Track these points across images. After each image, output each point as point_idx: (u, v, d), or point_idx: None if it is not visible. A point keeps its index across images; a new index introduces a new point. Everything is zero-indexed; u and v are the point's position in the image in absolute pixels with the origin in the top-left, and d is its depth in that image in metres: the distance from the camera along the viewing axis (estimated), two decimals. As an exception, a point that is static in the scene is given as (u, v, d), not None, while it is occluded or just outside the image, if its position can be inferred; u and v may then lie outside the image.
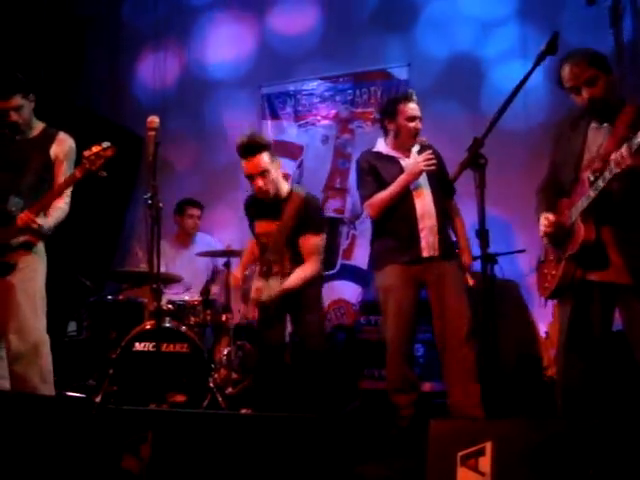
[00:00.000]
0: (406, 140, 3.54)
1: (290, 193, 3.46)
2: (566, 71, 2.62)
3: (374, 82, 5.42)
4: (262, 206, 3.49)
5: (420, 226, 3.44)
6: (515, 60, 4.83)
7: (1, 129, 3.21)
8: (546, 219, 2.70)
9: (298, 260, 3.43)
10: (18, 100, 3.14)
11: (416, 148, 3.56)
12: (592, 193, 2.50)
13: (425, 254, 3.43)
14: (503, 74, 4.89)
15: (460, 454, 1.91)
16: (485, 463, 1.88)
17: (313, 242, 3.41)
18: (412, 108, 3.50)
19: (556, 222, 2.66)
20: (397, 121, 3.51)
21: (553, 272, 2.70)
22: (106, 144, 3.08)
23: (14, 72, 3.19)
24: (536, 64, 2.33)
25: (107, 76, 6.38)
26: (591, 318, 2.65)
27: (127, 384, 3.80)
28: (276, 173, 3.41)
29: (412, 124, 3.50)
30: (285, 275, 3.40)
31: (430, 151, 3.45)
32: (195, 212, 5.11)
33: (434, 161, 3.41)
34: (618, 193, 2.52)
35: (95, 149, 3.06)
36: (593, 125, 2.69)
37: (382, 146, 3.62)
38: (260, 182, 3.35)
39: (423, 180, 3.49)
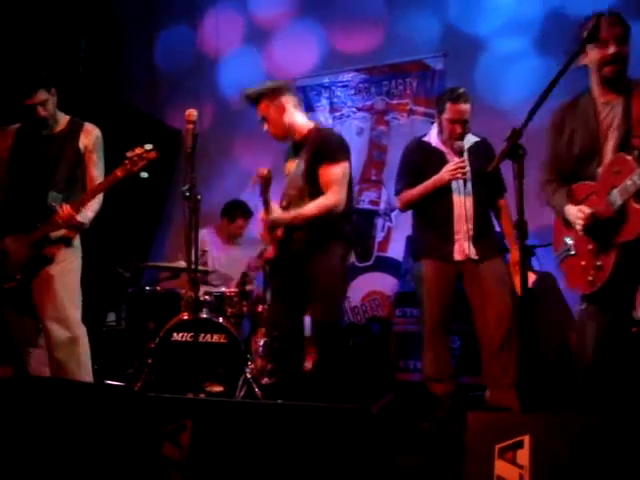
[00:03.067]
0: (448, 139, 3.49)
1: (310, 130, 3.30)
2: (604, 21, 2.46)
3: (410, 73, 5.38)
4: (292, 148, 3.39)
5: (455, 229, 3.43)
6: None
7: (29, 125, 3.26)
8: (581, 212, 2.54)
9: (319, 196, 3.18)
10: (42, 95, 3.17)
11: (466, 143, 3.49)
12: None
13: (458, 257, 3.43)
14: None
15: (498, 446, 1.90)
16: (524, 456, 1.87)
17: (330, 171, 3.13)
18: (457, 110, 3.40)
19: (591, 214, 2.51)
20: (441, 118, 3.48)
21: (599, 263, 2.52)
22: (149, 146, 3.08)
23: (34, 68, 3.24)
24: (579, 51, 2.30)
25: (144, 70, 6.46)
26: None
27: (165, 374, 3.86)
28: (279, 115, 3.25)
29: (453, 126, 3.43)
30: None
31: (463, 159, 3.39)
32: (244, 224, 5.07)
33: (464, 171, 3.36)
34: None
35: (138, 150, 3.07)
36: (601, 101, 2.58)
37: (434, 137, 3.57)
38: (264, 127, 3.32)
39: (466, 182, 3.45)
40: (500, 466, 1.88)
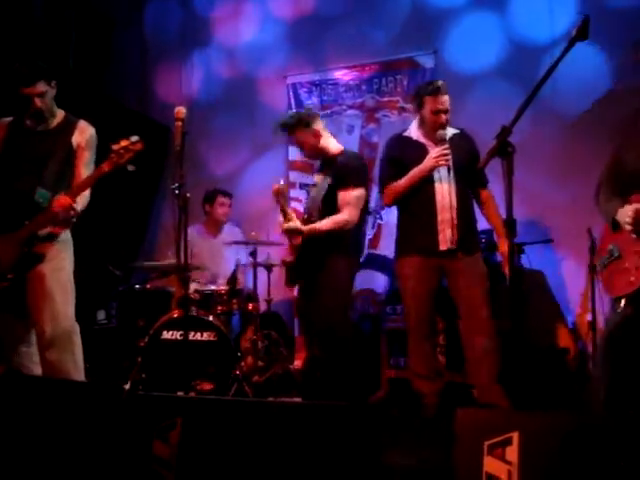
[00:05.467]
0: (430, 131, 3.50)
1: (339, 152, 3.65)
2: None
3: (400, 71, 5.38)
4: (321, 163, 3.77)
5: (439, 218, 3.43)
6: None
7: (26, 116, 3.23)
8: (632, 209, 2.51)
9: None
10: (42, 86, 3.15)
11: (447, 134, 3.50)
12: None
13: (442, 247, 3.42)
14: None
15: (487, 443, 1.91)
16: (512, 453, 1.88)
17: (347, 194, 3.47)
18: (438, 102, 3.43)
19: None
20: (422, 112, 3.49)
21: None
22: (135, 138, 3.06)
23: (36, 59, 3.21)
24: (566, 50, 2.30)
25: (135, 66, 6.44)
26: None
27: (155, 372, 3.85)
28: (316, 140, 3.63)
29: (436, 117, 3.45)
30: None
31: (445, 146, 3.40)
32: (226, 201, 5.14)
33: (447, 157, 3.37)
34: None
35: (124, 143, 3.04)
36: None
37: (414, 130, 3.59)
38: (301, 153, 3.79)
39: (447, 171, 3.45)
40: (489, 462, 1.89)
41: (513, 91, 4.71)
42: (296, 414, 2.10)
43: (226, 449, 2.09)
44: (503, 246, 3.42)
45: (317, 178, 3.71)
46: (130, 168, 3.07)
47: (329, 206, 3.49)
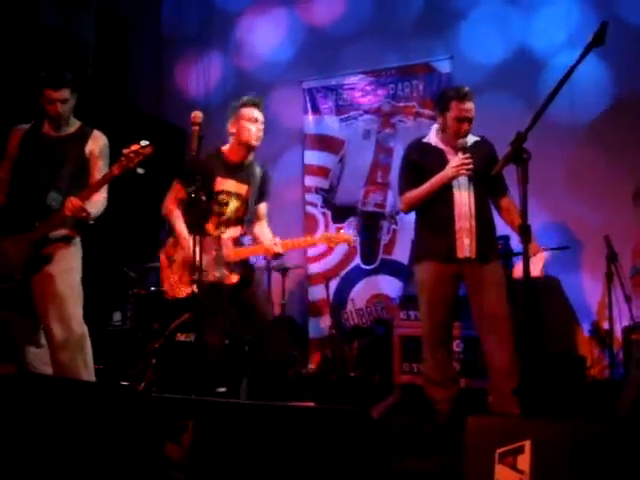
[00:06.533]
0: (451, 138, 3.44)
1: (252, 162, 3.62)
2: None
3: (416, 76, 5.38)
4: (228, 165, 3.55)
5: (457, 227, 3.38)
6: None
7: (44, 121, 3.28)
8: None
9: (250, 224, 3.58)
10: (66, 93, 3.21)
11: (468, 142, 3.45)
12: None
13: (460, 255, 3.37)
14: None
15: (499, 451, 1.89)
16: (524, 461, 1.86)
17: (266, 207, 3.63)
18: (464, 109, 3.36)
19: None
20: (445, 117, 3.43)
21: None
22: (144, 142, 3.10)
23: (64, 69, 3.27)
24: (583, 56, 2.28)
25: (152, 72, 6.49)
26: None
27: (169, 374, 3.87)
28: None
29: (459, 125, 3.38)
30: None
31: (467, 155, 3.33)
32: None
33: (468, 167, 3.31)
34: None
35: (134, 147, 3.09)
36: None
37: (433, 137, 3.53)
38: (260, 133, 3.54)
39: (466, 179, 3.40)
40: (500, 471, 1.88)
41: (529, 96, 4.69)
42: (307, 418, 2.10)
43: (237, 452, 2.08)
44: (533, 249, 3.16)
45: (228, 182, 3.50)
46: (140, 171, 3.11)
47: (250, 215, 3.54)
